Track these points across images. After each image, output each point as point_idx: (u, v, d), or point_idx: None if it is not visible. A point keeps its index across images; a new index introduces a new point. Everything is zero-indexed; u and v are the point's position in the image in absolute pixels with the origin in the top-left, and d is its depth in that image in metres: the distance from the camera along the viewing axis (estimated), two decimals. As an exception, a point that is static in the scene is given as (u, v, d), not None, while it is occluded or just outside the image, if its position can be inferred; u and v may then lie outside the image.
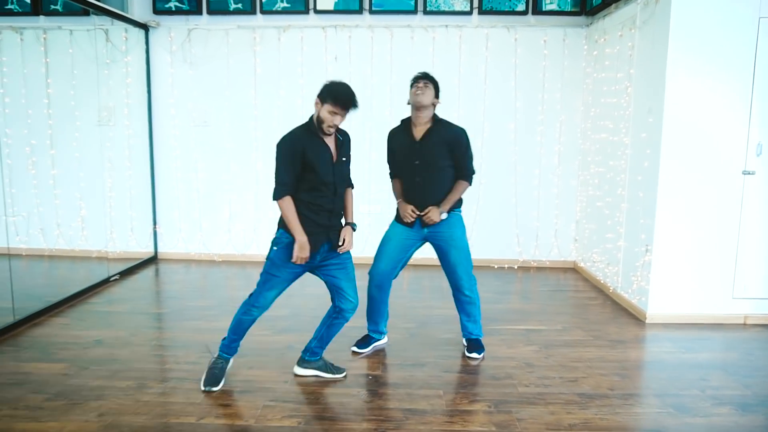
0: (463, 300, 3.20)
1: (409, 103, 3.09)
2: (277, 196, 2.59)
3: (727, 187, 3.65)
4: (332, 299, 2.80)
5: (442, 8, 4.93)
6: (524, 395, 2.73)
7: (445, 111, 5.15)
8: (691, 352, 3.29)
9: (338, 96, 2.52)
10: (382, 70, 5.06)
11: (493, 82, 5.04)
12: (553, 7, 4.91)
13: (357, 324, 3.27)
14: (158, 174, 5.32)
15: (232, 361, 2.85)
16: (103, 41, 5.05)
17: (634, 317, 3.88)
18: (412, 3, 4.92)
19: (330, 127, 2.58)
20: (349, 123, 5.41)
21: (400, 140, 3.15)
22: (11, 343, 3.27)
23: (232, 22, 5.03)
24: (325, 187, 2.64)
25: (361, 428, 2.41)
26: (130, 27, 5.00)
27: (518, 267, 5.26)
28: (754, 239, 3.70)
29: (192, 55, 5.11)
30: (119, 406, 2.54)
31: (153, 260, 5.33)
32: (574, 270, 5.19)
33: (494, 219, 5.20)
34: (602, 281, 4.54)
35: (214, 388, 2.70)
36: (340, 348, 3.18)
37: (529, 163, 5.14)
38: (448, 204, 3.04)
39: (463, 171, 3.11)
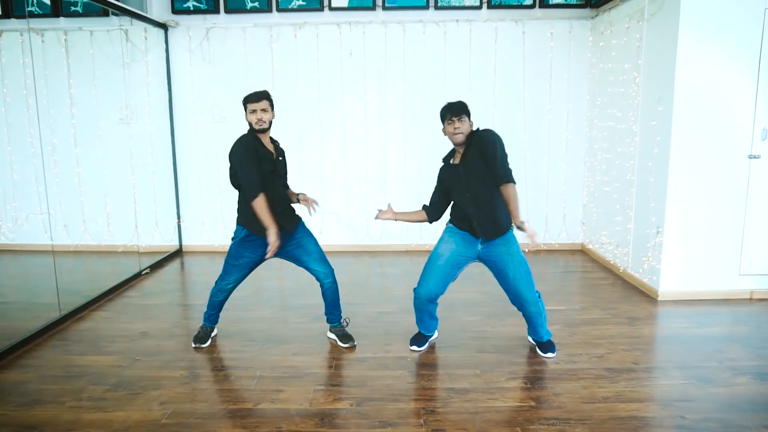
0: (529, 313, 2.95)
1: (446, 135, 2.86)
2: (253, 196, 2.79)
3: (734, 170, 3.73)
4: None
5: (453, 3, 4.93)
6: (556, 372, 2.81)
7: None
8: (704, 327, 3.39)
9: (245, 98, 2.88)
10: (395, 65, 5.07)
11: (502, 74, 5.07)
12: (559, 0, 4.93)
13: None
14: (180, 169, 5.32)
15: (216, 329, 3.28)
16: (123, 41, 5.00)
17: (645, 295, 3.97)
18: (424, -1, 4.93)
19: (257, 123, 2.83)
20: (365, 116, 5.42)
21: (449, 173, 2.89)
22: (60, 337, 3.30)
23: (249, 21, 5.01)
24: (270, 182, 2.88)
25: (411, 408, 2.47)
26: (149, 27, 4.96)
27: (528, 250, 5.31)
28: (760, 219, 3.79)
29: (210, 54, 5.09)
30: (178, 395, 2.59)
31: (178, 253, 5.35)
32: (582, 252, 5.28)
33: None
34: (612, 262, 4.63)
35: (203, 345, 3.14)
36: (397, 340, 3.25)
37: (538, 150, 5.20)
38: (517, 213, 2.70)
39: (499, 173, 2.69)
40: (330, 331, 3.23)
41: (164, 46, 5.09)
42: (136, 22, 4.84)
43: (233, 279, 3.09)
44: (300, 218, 3.09)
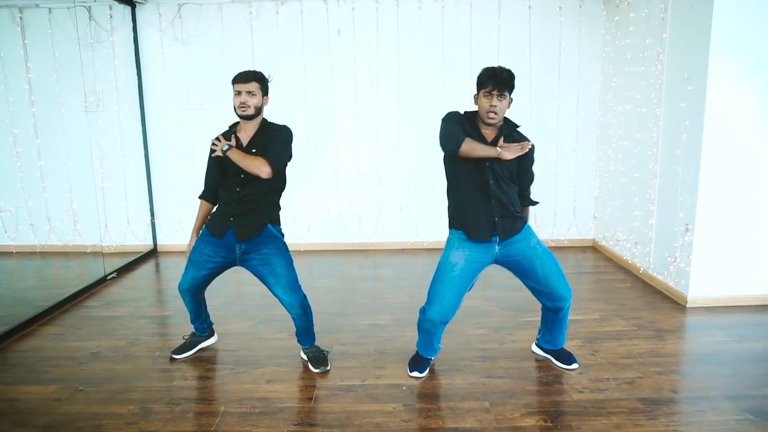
0: (564, 312, 2.51)
1: (476, 105, 2.35)
2: (200, 196, 2.62)
3: (776, 159, 3.20)
4: None
5: (452, -26, 4.35)
6: (581, 404, 2.29)
7: (457, 86, 4.63)
8: (746, 341, 2.87)
9: (233, 77, 2.45)
10: (388, 44, 4.50)
11: (506, 54, 4.49)
12: (570, -31, 4.35)
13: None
14: (153, 161, 4.75)
15: (208, 341, 2.89)
16: (86, 20, 4.42)
17: (672, 301, 3.45)
18: (419, -31, 4.34)
19: (240, 107, 2.42)
20: (356, 101, 4.83)
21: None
22: (-4, 360, 2.77)
23: (225, -5, 4.42)
24: (229, 178, 2.50)
25: (406, 458, 1.96)
26: (114, 3, 4.37)
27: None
28: (803, 214, 3.26)
29: (184, 33, 4.51)
30: (120, 441, 2.07)
31: (152, 254, 4.80)
32: (593, 249, 4.76)
33: (509, 198, 4.71)
34: (629, 261, 4.11)
35: (175, 356, 2.76)
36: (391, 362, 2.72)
37: (546, 137, 4.64)
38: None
39: (526, 195, 2.57)
40: (302, 351, 2.70)
41: (131, 24, 4.49)
42: (99, -3, 4.26)
43: (188, 277, 2.59)
44: (266, 225, 2.49)
